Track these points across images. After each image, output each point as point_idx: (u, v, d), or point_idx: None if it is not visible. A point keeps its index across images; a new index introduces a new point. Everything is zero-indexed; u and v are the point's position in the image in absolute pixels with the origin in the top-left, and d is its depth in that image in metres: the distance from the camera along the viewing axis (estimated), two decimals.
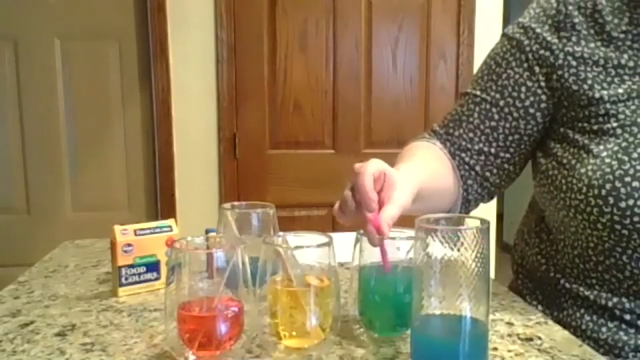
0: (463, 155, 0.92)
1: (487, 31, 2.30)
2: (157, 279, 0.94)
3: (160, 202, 2.23)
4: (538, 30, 0.85)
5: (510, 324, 0.80)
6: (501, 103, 0.88)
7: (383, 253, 0.69)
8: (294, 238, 0.70)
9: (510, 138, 0.89)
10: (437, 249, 0.58)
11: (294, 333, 0.67)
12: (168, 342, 0.69)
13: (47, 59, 2.17)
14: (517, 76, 0.86)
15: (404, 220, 0.73)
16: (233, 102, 2.22)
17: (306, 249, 0.68)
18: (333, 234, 0.70)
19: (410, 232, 0.72)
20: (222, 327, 0.64)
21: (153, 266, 0.93)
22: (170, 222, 0.96)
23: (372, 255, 0.73)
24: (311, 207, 2.30)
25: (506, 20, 2.39)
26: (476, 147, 0.91)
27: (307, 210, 2.29)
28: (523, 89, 0.86)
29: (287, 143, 2.27)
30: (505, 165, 0.92)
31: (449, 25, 2.29)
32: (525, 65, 0.86)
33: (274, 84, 2.23)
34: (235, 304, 0.66)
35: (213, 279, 0.65)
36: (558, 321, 0.84)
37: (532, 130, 0.88)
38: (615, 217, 0.74)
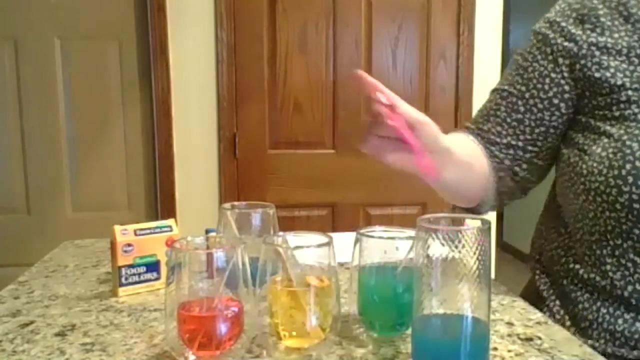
0: (493, 148, 0.94)
1: (487, 31, 2.30)
2: (157, 279, 0.94)
3: (160, 202, 2.23)
4: (563, 23, 0.87)
5: (510, 324, 0.80)
6: (526, 95, 0.90)
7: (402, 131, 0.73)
8: (294, 238, 0.70)
9: (536, 130, 0.91)
10: (438, 249, 0.58)
11: (294, 333, 0.67)
12: (168, 342, 0.69)
13: (47, 59, 2.17)
14: (541, 68, 0.89)
15: (405, 220, 0.73)
16: (233, 102, 2.22)
17: (306, 249, 0.68)
18: (333, 234, 0.70)
19: (411, 232, 0.72)
20: (222, 327, 0.64)
21: (153, 266, 0.93)
22: (170, 222, 0.96)
23: (372, 255, 0.73)
24: (311, 207, 2.30)
25: (506, 20, 2.39)
26: (504, 141, 0.93)
27: (307, 210, 2.29)
28: (547, 80, 0.88)
29: (287, 143, 2.27)
30: (534, 160, 0.93)
31: (449, 25, 2.29)
32: (550, 57, 0.88)
33: (274, 84, 2.23)
34: (235, 304, 0.66)
35: (213, 279, 0.65)
36: (574, 316, 0.86)
37: (557, 122, 0.90)
38: (634, 196, 0.76)
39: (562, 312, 0.89)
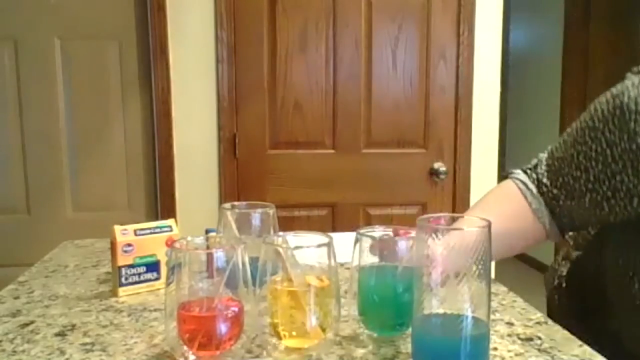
0: (565, 220, 0.89)
1: (487, 31, 2.30)
2: (157, 279, 0.94)
3: (160, 202, 2.23)
4: None
5: (510, 324, 0.80)
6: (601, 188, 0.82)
7: None
8: (294, 238, 0.70)
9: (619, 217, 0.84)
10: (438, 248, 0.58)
11: (294, 333, 0.67)
12: (168, 342, 0.69)
13: (47, 59, 2.17)
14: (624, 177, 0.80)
15: (405, 220, 0.73)
16: (233, 102, 2.22)
17: (306, 249, 0.68)
18: (333, 234, 0.70)
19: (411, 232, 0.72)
20: (222, 327, 0.64)
21: (153, 266, 0.93)
22: (170, 222, 0.96)
23: (372, 256, 0.73)
24: (311, 207, 2.30)
25: (506, 20, 2.39)
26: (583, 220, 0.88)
27: (307, 210, 2.29)
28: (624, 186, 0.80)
29: (287, 143, 2.27)
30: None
31: (449, 25, 2.29)
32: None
33: (274, 84, 2.23)
34: (235, 304, 0.66)
35: (213, 279, 0.65)
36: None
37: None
38: None
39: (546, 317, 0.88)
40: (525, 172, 0.94)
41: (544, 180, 0.90)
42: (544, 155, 0.93)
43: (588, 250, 1.00)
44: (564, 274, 1.04)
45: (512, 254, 0.92)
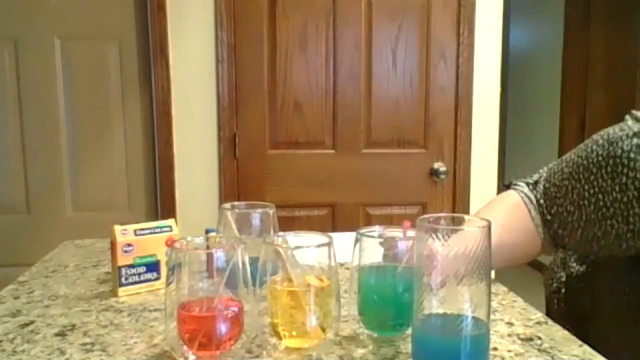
0: (559, 240, 0.90)
1: (487, 31, 2.30)
2: (157, 279, 0.94)
3: (160, 202, 2.23)
4: None
5: (510, 324, 0.80)
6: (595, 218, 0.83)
7: None
8: (294, 238, 0.70)
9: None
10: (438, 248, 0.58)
11: (294, 333, 0.67)
12: (168, 342, 0.69)
13: (47, 59, 2.17)
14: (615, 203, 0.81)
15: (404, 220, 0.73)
16: (233, 102, 2.22)
17: (306, 249, 0.68)
18: (333, 234, 0.70)
19: (411, 232, 0.72)
20: (222, 327, 0.64)
21: (153, 266, 0.93)
22: (170, 222, 0.96)
23: (372, 256, 0.73)
24: (311, 207, 2.30)
25: (506, 20, 2.39)
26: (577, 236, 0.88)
27: (307, 210, 2.29)
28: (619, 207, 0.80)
29: (287, 143, 2.27)
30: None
31: (449, 25, 2.29)
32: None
33: (274, 84, 2.23)
34: (235, 304, 0.66)
35: (213, 279, 0.65)
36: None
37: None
38: None
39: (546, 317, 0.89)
40: (528, 185, 0.95)
41: (542, 201, 0.91)
42: (543, 174, 0.94)
43: (582, 276, 1.01)
44: (563, 279, 1.04)
45: (512, 264, 0.93)
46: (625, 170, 0.78)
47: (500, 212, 0.93)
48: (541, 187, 0.92)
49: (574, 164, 0.86)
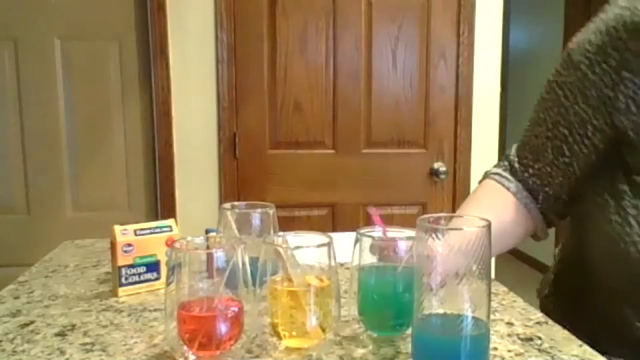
0: (541, 196, 0.91)
1: (487, 31, 2.30)
2: (157, 279, 0.94)
3: (160, 202, 2.23)
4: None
5: (510, 324, 0.80)
6: (570, 140, 0.86)
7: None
8: (294, 238, 0.70)
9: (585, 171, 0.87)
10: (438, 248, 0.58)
11: (294, 333, 0.67)
12: (168, 342, 0.69)
13: (47, 59, 2.17)
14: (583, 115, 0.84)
15: (405, 220, 0.73)
16: (233, 102, 2.22)
17: (306, 249, 0.68)
18: (333, 234, 0.70)
19: (411, 232, 0.72)
20: (222, 327, 0.64)
21: (153, 266, 0.93)
22: (170, 222, 0.96)
23: (372, 256, 0.73)
24: (311, 207, 2.30)
25: (506, 20, 2.39)
26: (556, 181, 0.90)
27: (307, 210, 2.29)
28: (589, 127, 0.84)
29: (287, 143, 2.27)
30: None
31: (449, 25, 2.29)
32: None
33: (274, 84, 2.23)
34: (235, 304, 0.66)
35: (213, 279, 0.65)
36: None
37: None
38: None
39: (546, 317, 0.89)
40: (500, 166, 0.97)
41: (515, 160, 0.94)
42: (512, 149, 0.97)
43: (570, 263, 1.01)
44: (552, 278, 1.05)
45: (507, 248, 0.93)
46: (576, 57, 0.82)
47: (482, 199, 0.95)
48: (513, 150, 0.96)
49: (533, 115, 0.92)
